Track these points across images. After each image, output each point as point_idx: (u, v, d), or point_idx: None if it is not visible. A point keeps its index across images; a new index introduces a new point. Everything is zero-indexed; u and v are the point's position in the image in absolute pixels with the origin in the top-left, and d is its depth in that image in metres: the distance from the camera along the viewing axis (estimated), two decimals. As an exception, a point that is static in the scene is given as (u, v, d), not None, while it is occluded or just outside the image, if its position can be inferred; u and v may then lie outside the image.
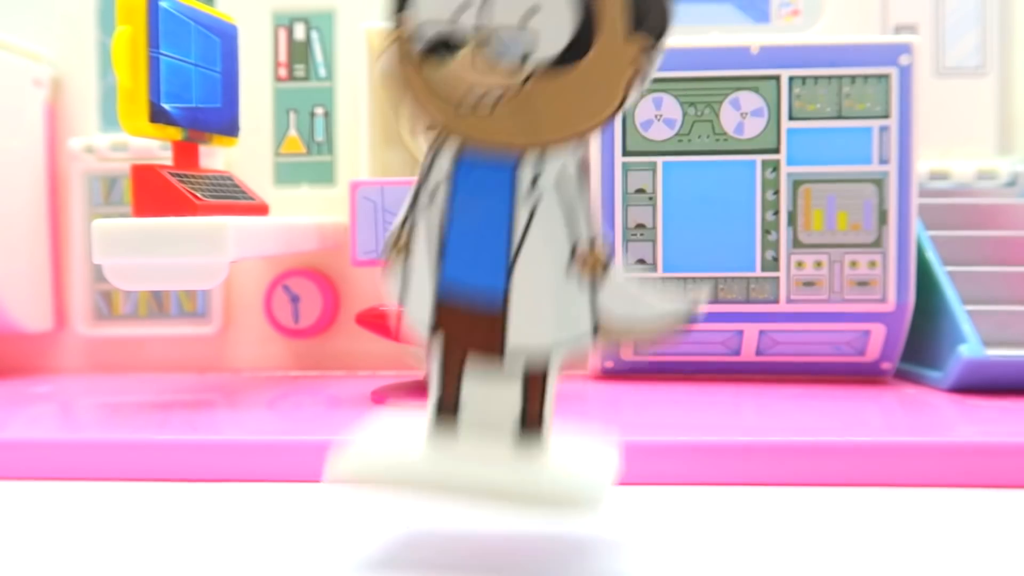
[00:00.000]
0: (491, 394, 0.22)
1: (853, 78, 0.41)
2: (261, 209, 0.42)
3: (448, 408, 0.22)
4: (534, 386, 0.22)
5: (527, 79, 0.21)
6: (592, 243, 0.21)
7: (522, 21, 0.20)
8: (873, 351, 0.42)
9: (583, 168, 0.21)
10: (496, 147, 0.21)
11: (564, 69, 0.20)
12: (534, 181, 0.21)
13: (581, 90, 0.20)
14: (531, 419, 0.22)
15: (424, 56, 0.21)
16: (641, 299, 0.21)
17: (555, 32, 0.20)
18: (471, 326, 0.22)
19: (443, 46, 0.21)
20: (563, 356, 0.22)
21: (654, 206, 0.42)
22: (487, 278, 0.22)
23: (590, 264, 0.21)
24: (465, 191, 0.22)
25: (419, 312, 0.22)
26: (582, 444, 0.23)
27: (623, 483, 0.29)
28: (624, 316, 0.21)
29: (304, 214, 0.48)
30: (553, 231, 0.21)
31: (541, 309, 0.21)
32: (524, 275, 0.21)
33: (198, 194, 0.37)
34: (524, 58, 0.20)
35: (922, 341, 0.42)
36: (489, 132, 0.21)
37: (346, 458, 0.22)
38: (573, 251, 0.21)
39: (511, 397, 0.22)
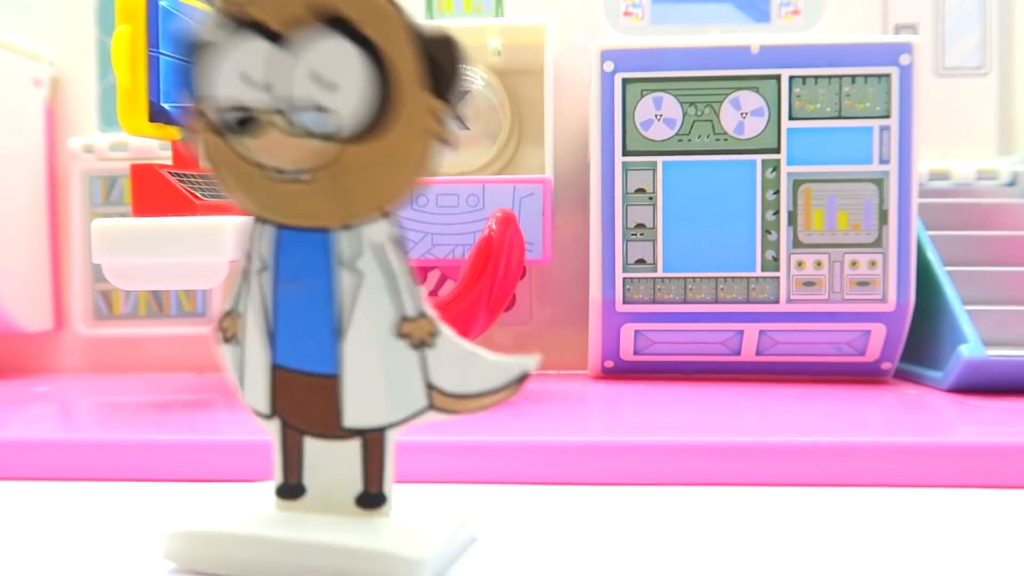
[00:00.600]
0: (332, 472, 0.22)
1: (853, 78, 0.41)
2: (261, 209, 0.42)
3: (292, 489, 0.22)
4: (373, 460, 0.22)
5: (337, 156, 0.20)
6: (418, 316, 0.21)
7: (321, 100, 0.20)
8: (873, 351, 0.42)
9: (398, 240, 0.20)
10: (310, 225, 0.21)
11: (368, 142, 0.20)
12: (352, 257, 0.21)
13: (386, 161, 0.20)
14: (372, 492, 0.22)
15: (230, 137, 0.20)
16: (472, 370, 0.21)
17: (355, 107, 0.20)
18: (306, 410, 0.22)
19: (246, 125, 0.20)
20: (399, 429, 0.21)
21: (654, 206, 0.42)
22: (316, 361, 0.21)
23: (416, 337, 0.21)
24: (286, 272, 0.21)
25: (256, 400, 0.22)
26: (430, 517, 0.23)
27: (622, 482, 0.29)
28: (457, 388, 0.21)
29: (304, 214, 0.48)
30: (378, 307, 0.21)
31: (373, 388, 0.21)
32: (353, 355, 0.21)
33: (198, 193, 0.37)
34: (327, 135, 0.20)
35: (922, 341, 0.42)
36: (305, 210, 0.20)
37: (186, 530, 0.22)
38: (399, 325, 0.21)
39: (352, 473, 0.22)
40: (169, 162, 0.39)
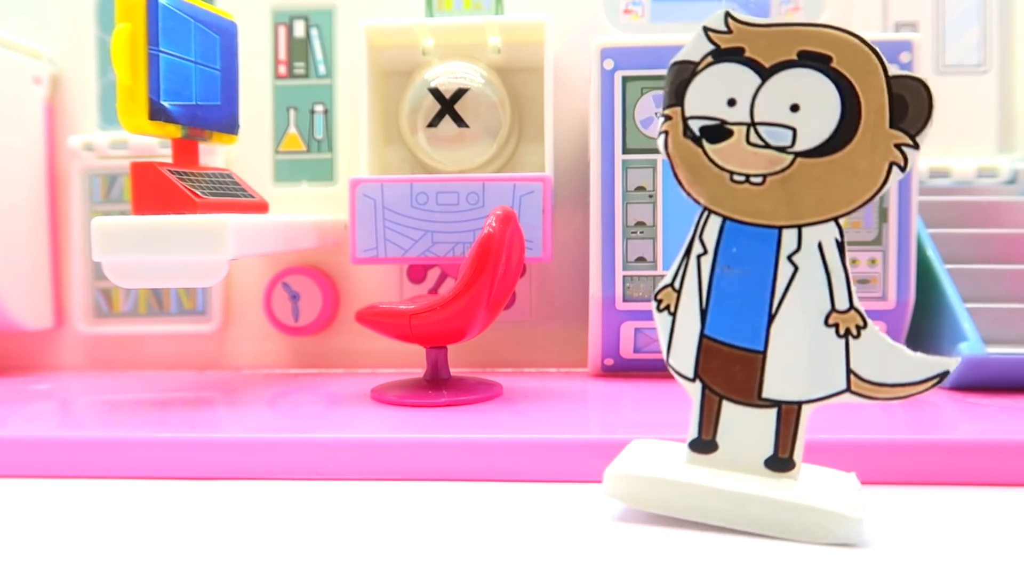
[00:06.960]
0: (745, 435, 0.24)
1: (854, 75, 0.41)
2: (261, 207, 0.42)
3: (705, 445, 0.25)
4: (786, 429, 0.24)
5: (789, 165, 0.23)
6: (848, 309, 0.23)
7: (784, 119, 0.23)
8: (873, 349, 0.42)
9: (838, 242, 0.23)
10: (758, 221, 0.24)
11: (824, 158, 0.23)
12: (793, 253, 0.23)
13: (840, 177, 0.23)
14: (782, 456, 0.24)
15: (697, 139, 0.24)
16: (893, 362, 0.23)
17: (816, 127, 0.23)
18: (728, 378, 0.24)
19: (714, 133, 0.24)
20: (814, 406, 0.24)
21: (654, 203, 0.42)
22: (745, 337, 0.24)
23: (844, 327, 0.23)
24: (728, 259, 0.24)
25: (682, 363, 0.25)
26: (829, 477, 0.25)
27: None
28: (877, 377, 0.23)
29: (304, 212, 0.48)
30: (810, 297, 0.23)
31: (795, 366, 0.24)
32: (781, 335, 0.24)
33: (198, 192, 0.37)
34: (785, 148, 0.23)
35: (922, 339, 0.42)
36: (753, 208, 0.24)
37: (619, 467, 0.25)
38: (829, 316, 0.23)
39: (764, 438, 0.24)
40: (169, 160, 0.39)
